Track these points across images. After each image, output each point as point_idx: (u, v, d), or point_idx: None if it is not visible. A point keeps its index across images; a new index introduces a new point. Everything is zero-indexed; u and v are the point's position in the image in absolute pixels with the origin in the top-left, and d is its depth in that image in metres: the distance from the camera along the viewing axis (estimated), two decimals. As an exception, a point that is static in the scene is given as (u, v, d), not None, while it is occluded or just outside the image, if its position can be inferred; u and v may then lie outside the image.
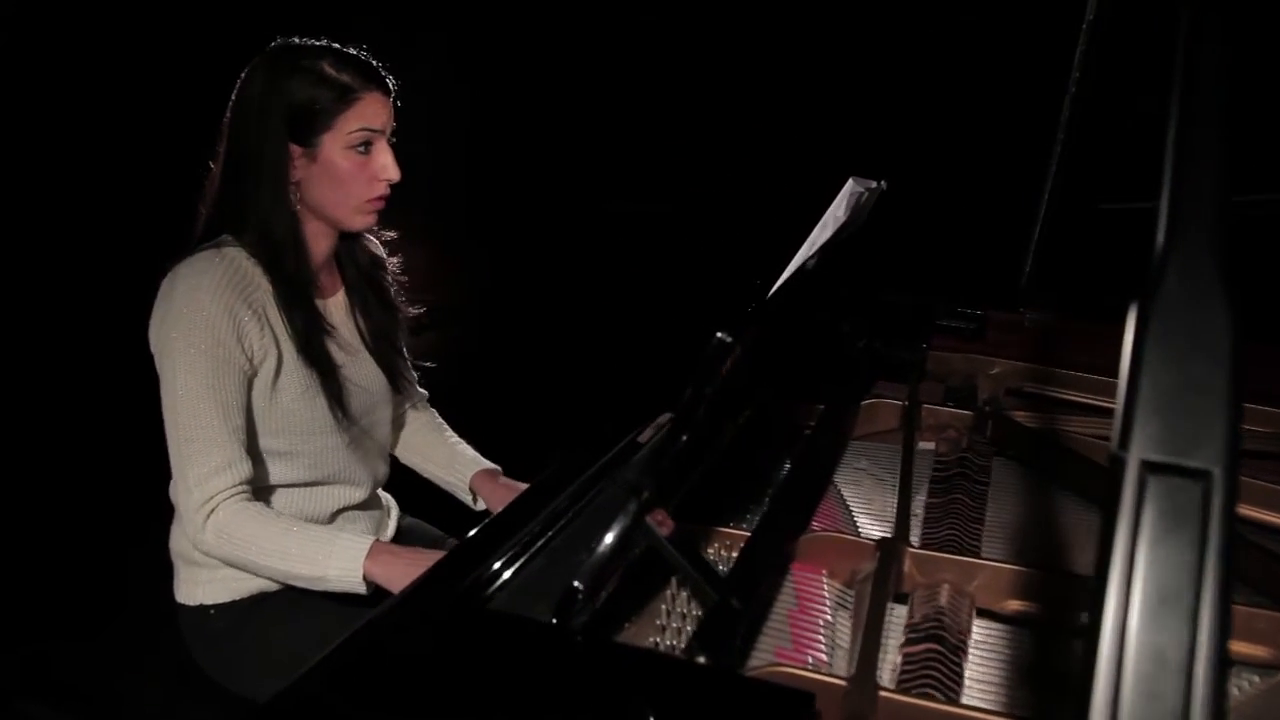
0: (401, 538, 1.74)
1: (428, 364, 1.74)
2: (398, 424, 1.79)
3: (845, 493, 1.45)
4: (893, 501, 1.48)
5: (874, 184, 1.47)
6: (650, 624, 1.04)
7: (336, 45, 1.42)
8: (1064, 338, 1.90)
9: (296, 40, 1.42)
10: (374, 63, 1.43)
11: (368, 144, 1.41)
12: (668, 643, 1.00)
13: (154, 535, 1.63)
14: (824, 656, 1.03)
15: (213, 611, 1.52)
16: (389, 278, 1.65)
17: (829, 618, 1.10)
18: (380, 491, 1.74)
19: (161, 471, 1.63)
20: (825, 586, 1.15)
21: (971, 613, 1.10)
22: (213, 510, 1.36)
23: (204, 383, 1.34)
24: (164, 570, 1.60)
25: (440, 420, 1.84)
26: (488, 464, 1.76)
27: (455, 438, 1.81)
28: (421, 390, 1.78)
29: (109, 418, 3.42)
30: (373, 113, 1.40)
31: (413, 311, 1.67)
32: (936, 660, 0.98)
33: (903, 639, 1.05)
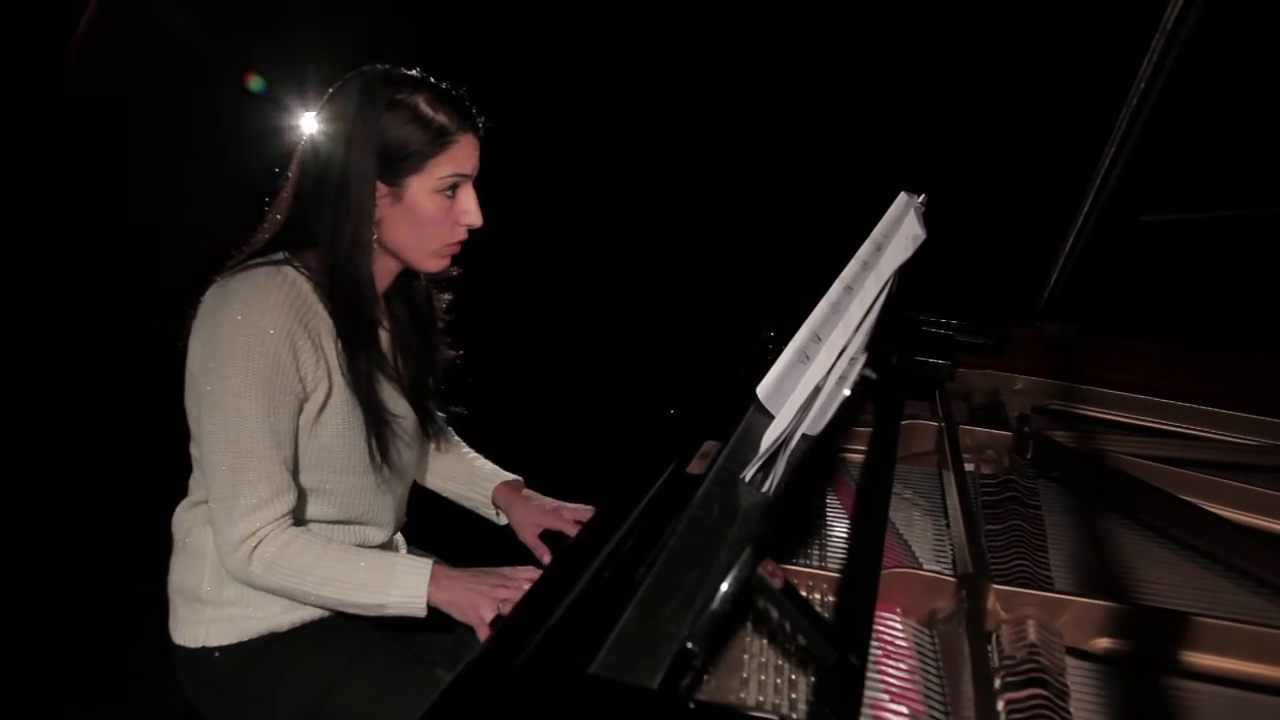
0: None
1: (457, 409, 1.65)
2: (422, 463, 1.72)
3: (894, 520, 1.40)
4: (933, 527, 1.42)
5: (921, 198, 1.41)
6: (734, 675, 0.96)
7: (433, 79, 1.34)
8: (1086, 353, 1.87)
9: (390, 68, 1.34)
10: (468, 102, 1.35)
11: (454, 187, 1.34)
12: (756, 698, 0.93)
13: (146, 567, 1.52)
14: (921, 707, 0.96)
15: (217, 654, 1.42)
16: (436, 319, 1.55)
17: (914, 661, 1.03)
18: None
19: (155, 497, 1.52)
20: (902, 627, 1.09)
21: (1063, 651, 1.04)
22: (259, 542, 1.29)
23: (258, 409, 1.26)
24: (147, 603, 1.50)
25: (456, 438, 1.76)
26: (508, 475, 1.70)
27: (472, 453, 1.74)
28: (440, 415, 1.68)
29: (90, 436, 3.27)
30: (465, 157, 1.33)
31: (452, 355, 1.59)
32: (1046, 708, 0.91)
33: (997, 682, 0.98)
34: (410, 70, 1.35)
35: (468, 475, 1.69)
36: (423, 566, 1.32)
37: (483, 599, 1.29)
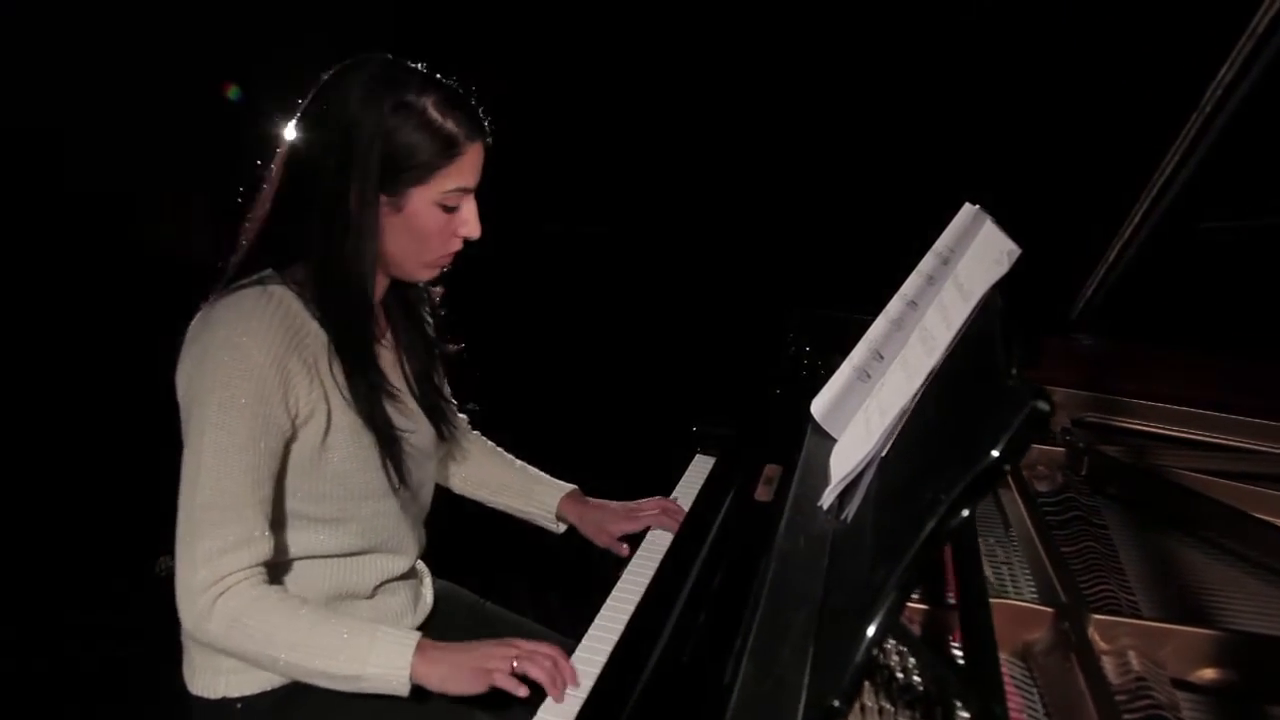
0: (436, 604, 1.56)
1: (471, 406, 1.59)
2: (453, 461, 1.64)
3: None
4: (982, 547, 1.37)
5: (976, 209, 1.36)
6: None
7: (440, 78, 1.22)
8: (1122, 364, 1.83)
9: (394, 60, 1.21)
10: (473, 103, 1.24)
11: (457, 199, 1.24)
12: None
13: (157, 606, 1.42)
14: (1040, 752, 0.90)
15: (239, 705, 1.31)
16: (430, 314, 1.47)
17: (1020, 699, 0.97)
18: None
19: (163, 534, 1.42)
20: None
21: (1170, 684, 0.99)
22: (222, 593, 1.15)
23: (237, 442, 1.14)
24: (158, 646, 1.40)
25: (493, 445, 1.69)
26: (567, 486, 1.65)
27: (520, 463, 1.68)
28: (461, 416, 1.60)
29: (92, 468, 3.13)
30: (471, 168, 1.23)
31: (453, 348, 1.50)
32: (1175, 750, 0.86)
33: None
34: (414, 64, 1.23)
35: (523, 487, 1.64)
36: (408, 637, 1.18)
37: (487, 658, 1.16)
